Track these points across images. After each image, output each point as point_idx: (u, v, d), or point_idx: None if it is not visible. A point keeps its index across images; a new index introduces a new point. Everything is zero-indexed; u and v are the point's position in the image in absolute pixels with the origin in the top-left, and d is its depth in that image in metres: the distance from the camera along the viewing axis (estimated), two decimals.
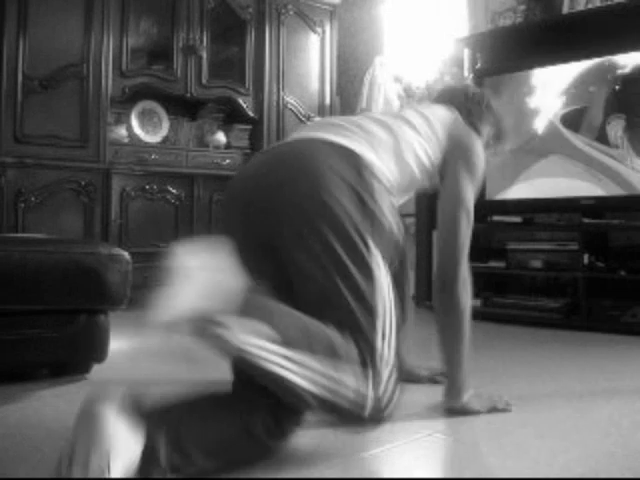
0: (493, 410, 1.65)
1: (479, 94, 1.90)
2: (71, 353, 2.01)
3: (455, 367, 1.64)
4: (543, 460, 1.33)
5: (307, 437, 1.46)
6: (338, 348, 1.25)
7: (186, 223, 4.02)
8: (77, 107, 3.70)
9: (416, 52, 4.58)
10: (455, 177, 1.64)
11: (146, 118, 4.21)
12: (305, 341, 1.22)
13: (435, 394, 1.91)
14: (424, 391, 1.93)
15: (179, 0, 4.11)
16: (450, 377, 1.67)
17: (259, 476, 1.26)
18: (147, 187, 3.88)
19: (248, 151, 4.51)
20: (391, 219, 1.42)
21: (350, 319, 1.29)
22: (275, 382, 1.20)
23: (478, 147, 1.71)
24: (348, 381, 1.24)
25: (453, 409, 1.64)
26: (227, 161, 4.41)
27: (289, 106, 4.57)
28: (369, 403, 1.26)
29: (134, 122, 4.14)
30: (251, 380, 1.24)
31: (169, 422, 1.18)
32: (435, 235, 1.76)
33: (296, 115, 4.60)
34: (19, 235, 3.15)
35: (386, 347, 1.31)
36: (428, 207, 3.99)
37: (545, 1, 3.70)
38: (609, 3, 3.35)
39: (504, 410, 1.67)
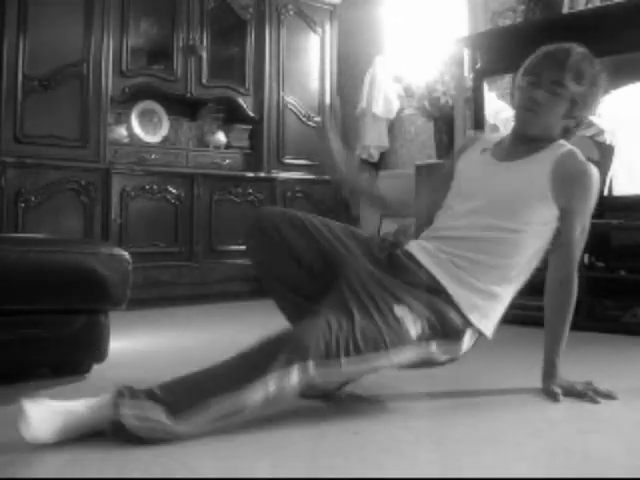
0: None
1: None
2: (71, 353, 2.02)
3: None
4: (543, 460, 1.33)
5: (305, 436, 1.46)
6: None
7: (186, 223, 4.02)
8: (77, 107, 3.70)
9: (416, 52, 4.58)
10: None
11: (146, 118, 4.21)
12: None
13: (436, 396, 1.92)
14: (423, 393, 1.93)
15: (179, 0, 4.10)
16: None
17: (259, 475, 1.26)
18: (147, 187, 3.87)
19: (248, 151, 4.51)
20: None
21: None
22: None
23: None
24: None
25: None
26: (227, 161, 4.41)
27: (289, 106, 4.57)
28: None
29: (134, 122, 4.14)
30: None
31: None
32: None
33: (296, 115, 4.60)
34: (19, 235, 3.15)
35: None
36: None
37: (545, 1, 3.70)
38: (609, 3, 3.34)
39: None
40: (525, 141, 1.85)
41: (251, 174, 4.36)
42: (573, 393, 1.78)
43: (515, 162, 1.85)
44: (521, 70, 1.88)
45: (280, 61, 4.54)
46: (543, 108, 1.78)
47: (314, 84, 4.71)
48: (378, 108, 4.61)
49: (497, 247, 1.77)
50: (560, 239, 1.86)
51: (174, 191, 3.98)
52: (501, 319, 1.84)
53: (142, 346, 2.65)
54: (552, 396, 1.77)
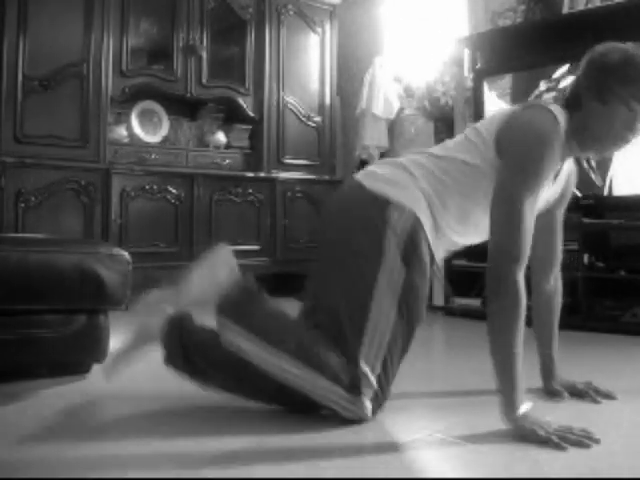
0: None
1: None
2: (71, 353, 2.01)
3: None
4: (543, 460, 1.33)
5: (306, 436, 1.46)
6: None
7: (186, 223, 4.02)
8: (77, 107, 3.70)
9: (416, 52, 4.58)
10: (500, 175, 1.56)
11: (146, 118, 4.21)
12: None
13: (436, 396, 1.91)
14: (424, 392, 1.94)
15: (179, 0, 4.11)
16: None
17: (259, 475, 1.26)
18: (147, 187, 3.87)
19: (248, 151, 4.51)
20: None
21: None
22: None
23: (531, 129, 1.55)
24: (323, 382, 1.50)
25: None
26: (227, 161, 4.41)
27: (289, 106, 4.57)
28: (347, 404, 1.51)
29: (134, 122, 4.14)
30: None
31: None
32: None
33: (296, 115, 4.60)
34: (19, 235, 3.15)
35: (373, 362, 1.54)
36: None
37: (545, 1, 3.70)
38: (609, 3, 3.34)
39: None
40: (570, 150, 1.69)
41: (251, 174, 4.36)
42: (574, 392, 1.79)
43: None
44: (627, 85, 1.57)
45: (280, 61, 4.54)
46: None
47: (314, 84, 4.71)
48: (378, 108, 4.61)
49: None
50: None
51: (174, 191, 3.98)
52: None
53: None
54: (557, 394, 1.78)
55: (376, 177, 1.67)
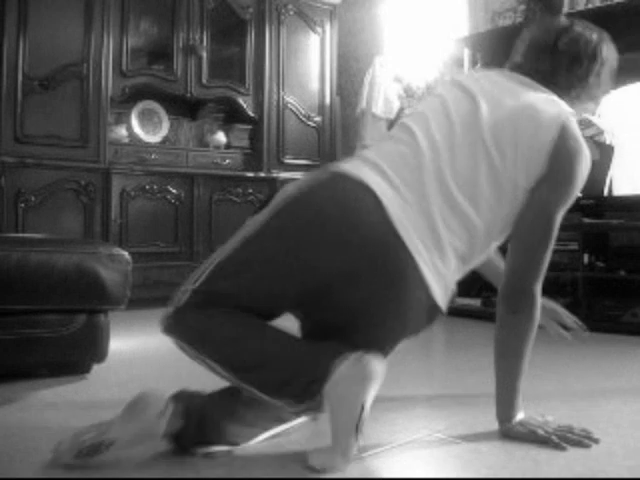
0: (548, 443, 1.39)
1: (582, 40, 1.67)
2: (71, 353, 2.02)
3: (507, 386, 1.47)
4: (543, 460, 1.33)
5: (307, 437, 1.46)
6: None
7: (186, 223, 4.02)
8: (77, 107, 3.70)
9: (416, 52, 4.58)
10: (543, 191, 1.51)
11: (146, 118, 4.21)
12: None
13: (436, 396, 1.91)
14: (424, 392, 1.94)
15: (179, 0, 4.11)
16: (502, 399, 1.49)
17: (259, 475, 1.26)
18: (147, 187, 3.88)
19: (248, 151, 4.51)
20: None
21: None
22: None
23: (581, 150, 1.52)
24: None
25: (505, 434, 1.45)
26: (227, 161, 4.41)
27: (289, 106, 4.57)
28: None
29: (134, 122, 4.14)
30: None
31: None
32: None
33: (296, 115, 4.60)
34: (19, 235, 3.15)
35: None
36: None
37: (545, 1, 3.70)
38: (609, 3, 3.35)
39: (558, 447, 1.38)
40: None
41: (251, 174, 4.36)
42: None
43: None
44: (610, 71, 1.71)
45: (280, 61, 4.54)
46: None
47: (314, 84, 4.71)
48: (378, 108, 4.61)
49: None
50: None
51: (174, 191, 3.98)
52: None
53: (142, 346, 2.65)
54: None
55: (415, 245, 1.39)
